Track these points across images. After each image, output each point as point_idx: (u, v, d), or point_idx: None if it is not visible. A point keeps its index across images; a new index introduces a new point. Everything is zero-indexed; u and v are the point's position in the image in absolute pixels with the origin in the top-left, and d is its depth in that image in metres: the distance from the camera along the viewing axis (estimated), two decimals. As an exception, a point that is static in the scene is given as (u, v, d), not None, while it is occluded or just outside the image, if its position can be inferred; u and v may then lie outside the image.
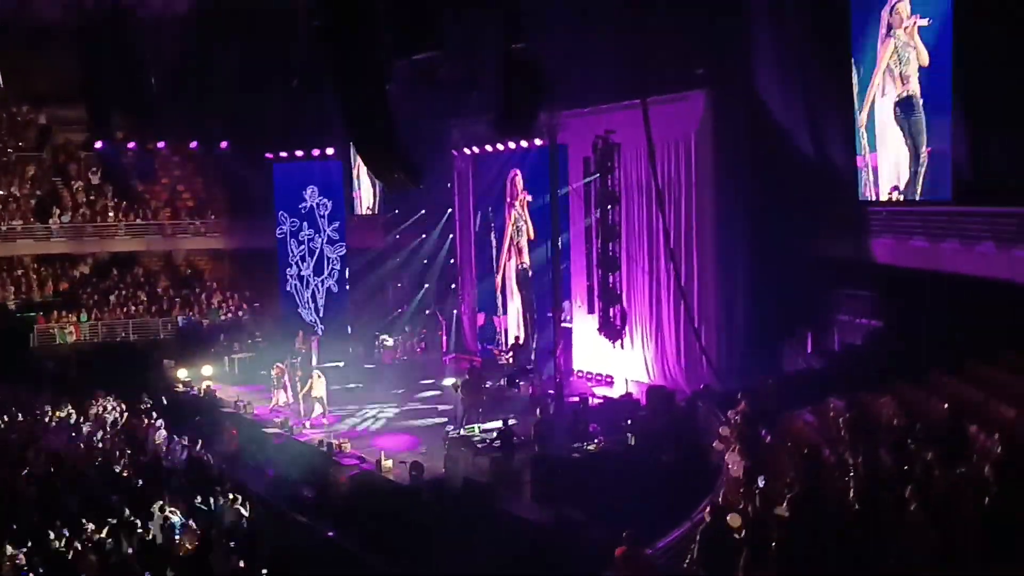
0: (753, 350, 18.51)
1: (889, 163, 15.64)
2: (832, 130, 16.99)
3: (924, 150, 14.78)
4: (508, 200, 24.72)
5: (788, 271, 17.58)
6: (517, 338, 24.11)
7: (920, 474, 9.12)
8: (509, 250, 24.96)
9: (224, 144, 28.47)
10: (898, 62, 14.86)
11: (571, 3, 20.05)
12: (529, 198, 23.93)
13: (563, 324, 21.77)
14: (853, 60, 15.94)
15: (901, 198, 15.37)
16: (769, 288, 17.95)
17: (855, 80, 15.99)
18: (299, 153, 27.17)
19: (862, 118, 15.96)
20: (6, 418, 19.68)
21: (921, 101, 14.51)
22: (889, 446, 10.67)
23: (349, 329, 26.56)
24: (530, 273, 24.30)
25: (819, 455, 11.04)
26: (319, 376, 21.09)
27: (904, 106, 14.91)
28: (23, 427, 19.23)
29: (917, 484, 8.66)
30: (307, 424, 20.33)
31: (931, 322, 14.88)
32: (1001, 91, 13.28)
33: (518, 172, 24.30)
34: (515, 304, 25.03)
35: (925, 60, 14.15)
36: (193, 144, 29.46)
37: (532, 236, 24.00)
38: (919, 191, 14.93)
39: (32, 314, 27.71)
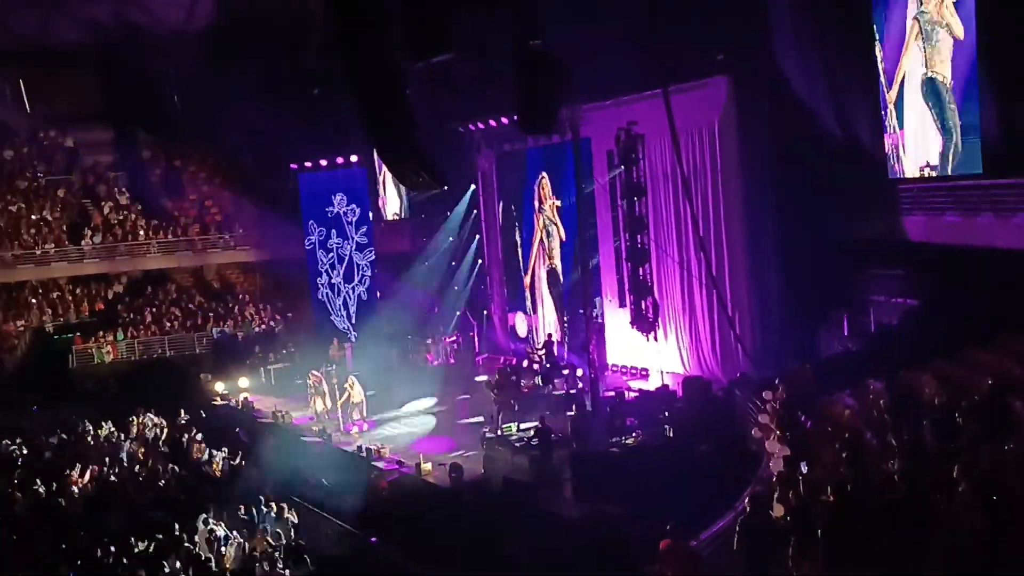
0: (788, 336, 18.31)
1: (918, 139, 15.40)
2: (857, 109, 16.74)
3: (953, 124, 14.55)
4: (537, 205, 24.55)
5: (820, 254, 17.37)
6: (549, 335, 24.05)
7: (967, 452, 8.96)
8: (540, 253, 24.82)
9: (249, 156, 28.71)
10: (926, 37, 14.62)
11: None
12: (558, 203, 23.75)
13: (595, 320, 21.67)
14: (877, 37, 15.72)
15: (932, 174, 15.13)
16: (801, 272, 17.74)
17: (879, 57, 15.76)
18: (323, 162, 27.30)
19: (891, 96, 15.72)
20: (50, 440, 19.95)
21: (949, 75, 14.27)
22: (932, 425, 10.50)
23: (383, 335, 26.63)
24: (560, 274, 24.21)
25: (861, 439, 10.90)
26: (355, 382, 21.18)
27: (931, 82, 14.67)
28: (66, 448, 19.49)
29: (964, 462, 8.50)
30: (347, 431, 20.42)
31: (968, 298, 14.63)
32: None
33: (546, 175, 24.12)
34: (547, 304, 24.95)
35: (960, 33, 13.86)
36: (219, 158, 29.73)
37: (563, 238, 23.85)
38: (950, 166, 14.69)
39: (70, 335, 28.12)
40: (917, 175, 15.42)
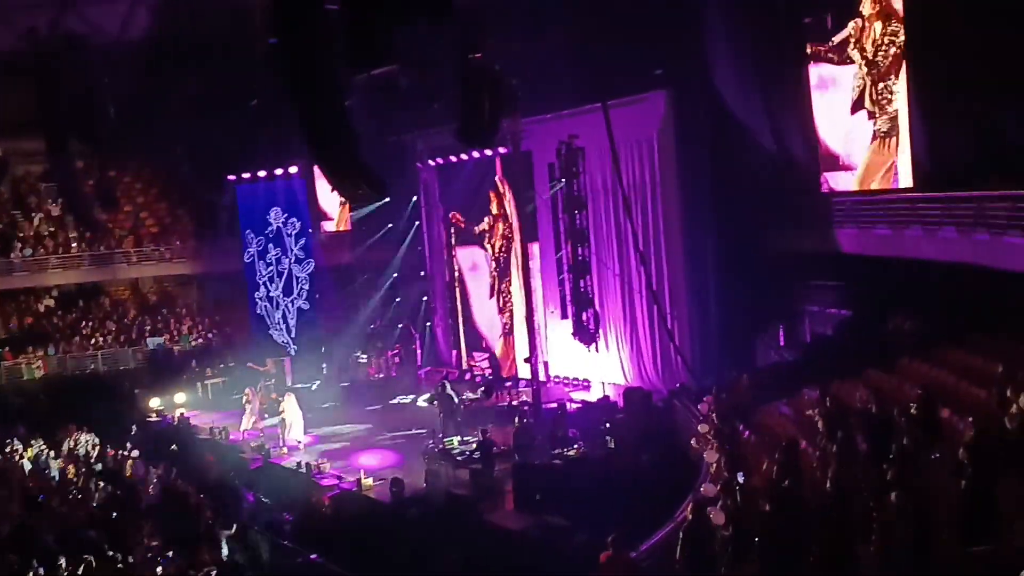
0: (726, 346, 18.62)
1: (849, 153, 15.83)
2: (792, 124, 17.16)
3: (885, 141, 15.00)
4: (497, 211, 24.49)
5: (757, 266, 17.73)
6: (490, 347, 24.06)
7: (898, 460, 9.19)
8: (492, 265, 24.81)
9: (186, 168, 28.23)
10: (859, 56, 15.09)
11: (527, 10, 20.11)
12: (509, 206, 23.74)
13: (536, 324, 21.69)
14: (810, 51, 16.15)
15: (861, 187, 15.57)
16: (739, 284, 18.08)
17: (812, 72, 16.19)
18: (262, 173, 26.96)
19: (823, 110, 16.16)
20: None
21: (879, 94, 14.72)
22: (865, 434, 10.76)
23: (323, 348, 26.37)
24: (501, 282, 24.26)
25: (796, 447, 11.11)
26: (290, 397, 20.92)
27: (864, 99, 15.13)
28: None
29: (895, 470, 8.73)
30: (284, 447, 20.14)
31: (899, 309, 15.05)
32: (953, 82, 13.50)
33: (504, 180, 24.04)
34: (486, 313, 24.97)
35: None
36: (154, 169, 29.16)
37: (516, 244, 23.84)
38: (879, 181, 15.13)
39: (-2, 351, 27.28)
40: (848, 188, 15.86)
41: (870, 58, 15.09)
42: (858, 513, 8.75)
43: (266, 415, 21.62)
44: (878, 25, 14.89)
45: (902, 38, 14.44)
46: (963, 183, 13.44)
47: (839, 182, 16.35)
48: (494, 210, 24.35)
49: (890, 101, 14.88)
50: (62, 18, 27.69)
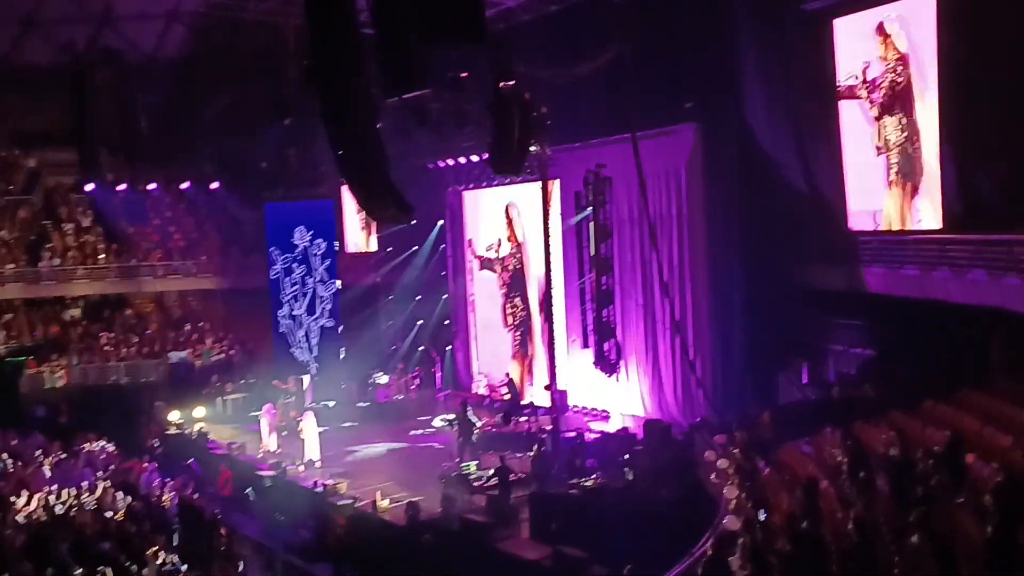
0: (749, 382, 18.47)
1: (880, 192, 15.76)
2: (821, 160, 17.12)
3: (914, 180, 14.93)
4: (508, 234, 24.60)
5: (782, 302, 17.62)
6: (507, 374, 24.01)
7: (921, 504, 9.06)
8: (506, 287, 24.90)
9: (215, 184, 28.52)
10: (889, 91, 15.07)
11: (559, 40, 20.28)
12: (526, 235, 23.86)
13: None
14: (840, 88, 16.14)
15: (892, 227, 15.48)
16: (763, 319, 17.97)
17: (843, 108, 16.18)
18: (291, 193, 27.16)
19: (854, 146, 16.13)
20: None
21: (910, 131, 14.68)
22: (888, 476, 10.62)
23: (342, 354, 26.36)
24: (526, 309, 24.27)
25: (817, 486, 10.97)
26: (309, 415, 20.95)
27: (894, 136, 15.09)
28: (13, 474, 18.99)
29: (918, 514, 8.60)
30: (301, 465, 20.14)
31: (925, 350, 14.89)
32: (986, 122, 13.44)
33: (515, 205, 24.21)
34: (500, 339, 24.98)
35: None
36: (184, 185, 29.51)
37: (528, 271, 23.96)
38: (910, 221, 15.05)
39: (22, 358, 27.50)
40: (877, 227, 15.78)
41: (888, 98, 15.11)
42: (879, 555, 8.62)
43: (284, 433, 21.63)
44: (894, 64, 14.93)
45: (920, 77, 14.45)
46: (994, 225, 13.33)
47: (866, 222, 16.26)
48: (506, 235, 24.49)
49: (910, 141, 14.82)
50: (100, 34, 28.26)
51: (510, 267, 24.68)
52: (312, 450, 20.46)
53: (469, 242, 25.75)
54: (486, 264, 25.40)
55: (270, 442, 21.41)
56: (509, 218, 24.38)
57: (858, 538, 8.97)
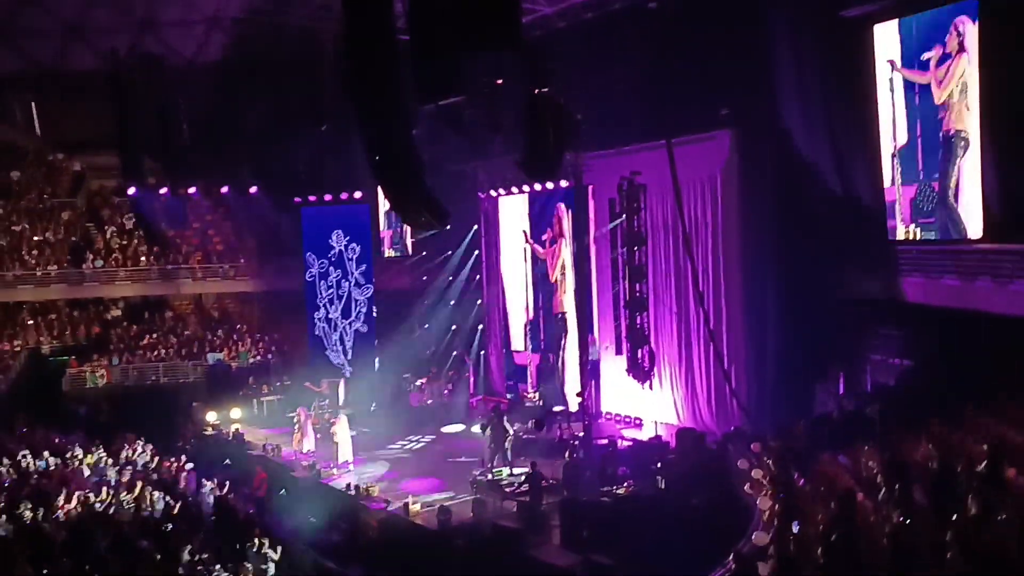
0: (784, 391, 18.27)
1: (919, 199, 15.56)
2: (859, 168, 16.92)
3: (954, 186, 14.70)
4: (555, 236, 24.33)
5: (818, 311, 17.41)
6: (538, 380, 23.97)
7: (960, 519, 8.91)
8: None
9: (253, 189, 28.87)
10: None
11: (594, 45, 20.26)
12: (566, 240, 23.66)
13: (591, 358, 21.59)
14: (879, 95, 15.95)
15: (932, 235, 15.26)
16: (799, 328, 17.77)
17: (881, 114, 15.98)
18: (327, 197, 27.45)
19: (891, 151, 15.92)
20: (38, 462, 19.80)
21: (952, 138, 14.46)
22: (926, 489, 10.45)
23: (376, 364, 26.53)
24: (563, 314, 24.19)
25: (853, 498, 10.84)
26: (342, 418, 21.10)
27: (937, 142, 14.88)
28: (54, 471, 19.34)
29: (957, 529, 8.46)
30: (334, 468, 20.28)
31: (965, 361, 14.64)
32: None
33: (562, 205, 23.83)
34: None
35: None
36: (224, 189, 29.92)
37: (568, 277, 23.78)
38: (950, 229, 14.81)
39: (65, 358, 28.04)
40: (917, 235, 15.56)
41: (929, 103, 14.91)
42: (916, 571, 8.49)
43: (318, 435, 21.81)
44: (938, 70, 14.72)
45: (962, 83, 14.22)
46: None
47: (900, 229, 16.04)
48: (557, 233, 24.24)
49: (951, 147, 14.60)
50: (141, 40, 28.76)
51: (556, 264, 24.36)
52: (345, 452, 20.59)
53: (525, 233, 25.23)
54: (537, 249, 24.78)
55: (304, 444, 21.58)
56: (560, 219, 24.08)
57: (894, 553, 8.85)
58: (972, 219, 14.40)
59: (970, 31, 14.00)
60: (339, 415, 21.58)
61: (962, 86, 14.20)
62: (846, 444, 14.00)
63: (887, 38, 15.69)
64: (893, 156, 15.86)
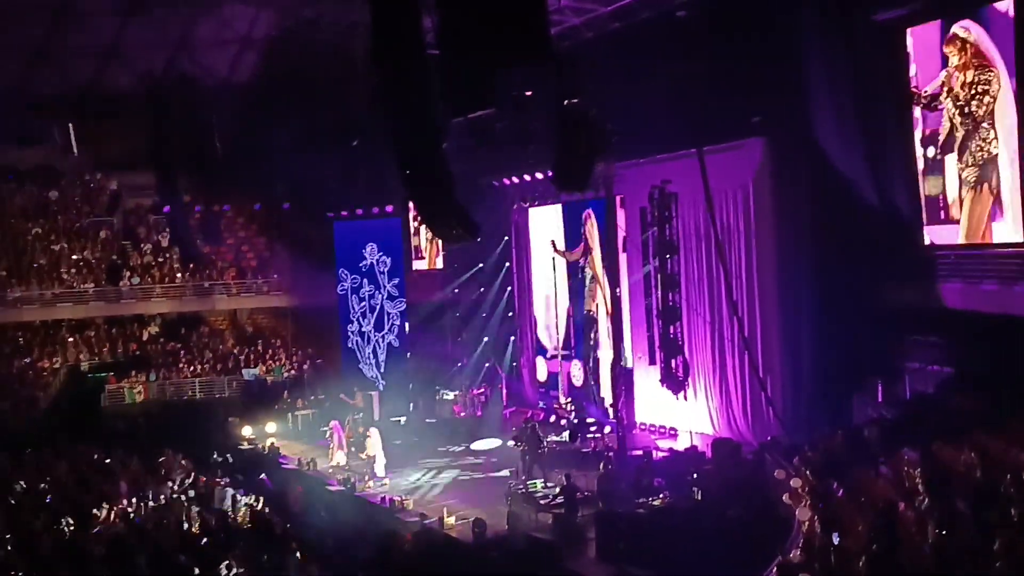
0: (821, 401, 18.04)
1: (956, 204, 15.33)
2: (894, 174, 16.71)
3: (993, 191, 14.48)
4: (585, 245, 24.24)
5: (854, 319, 17.18)
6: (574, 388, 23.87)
7: (1007, 528, 8.73)
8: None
9: (286, 204, 29.16)
10: (968, 101, 14.67)
11: (624, 55, 20.23)
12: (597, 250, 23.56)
13: (622, 365, 21.46)
14: (915, 100, 15.77)
15: (970, 240, 15.03)
16: (835, 336, 17.54)
17: (918, 119, 15.80)
18: (359, 211, 27.63)
19: (926, 158, 15.72)
20: (78, 478, 20.05)
21: (974, 145, 14.27)
22: (969, 499, 10.25)
23: (410, 385, 26.64)
24: (597, 323, 24.09)
25: (895, 510, 10.66)
26: (375, 431, 21.15)
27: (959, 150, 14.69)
28: (94, 486, 19.56)
29: (1002, 542, 8.28)
30: (369, 481, 20.33)
31: (1006, 368, 14.37)
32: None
33: (591, 213, 23.74)
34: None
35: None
36: (257, 205, 30.27)
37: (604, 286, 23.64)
38: (988, 233, 14.58)
39: (103, 375, 28.43)
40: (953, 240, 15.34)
41: (963, 107, 14.67)
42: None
43: (352, 448, 21.89)
44: (969, 73, 14.50)
45: (996, 85, 14.01)
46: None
47: (942, 236, 15.81)
48: (587, 243, 24.15)
49: (986, 151, 14.38)
50: (176, 60, 29.22)
51: (588, 274, 24.30)
52: (379, 466, 20.64)
53: (553, 243, 25.14)
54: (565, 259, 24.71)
55: (338, 458, 21.67)
56: (590, 226, 24.01)
57: (937, 565, 8.68)
58: (1011, 222, 14.16)
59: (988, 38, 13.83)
60: (372, 428, 21.64)
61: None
62: (885, 454, 13.78)
63: (922, 41, 15.52)
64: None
